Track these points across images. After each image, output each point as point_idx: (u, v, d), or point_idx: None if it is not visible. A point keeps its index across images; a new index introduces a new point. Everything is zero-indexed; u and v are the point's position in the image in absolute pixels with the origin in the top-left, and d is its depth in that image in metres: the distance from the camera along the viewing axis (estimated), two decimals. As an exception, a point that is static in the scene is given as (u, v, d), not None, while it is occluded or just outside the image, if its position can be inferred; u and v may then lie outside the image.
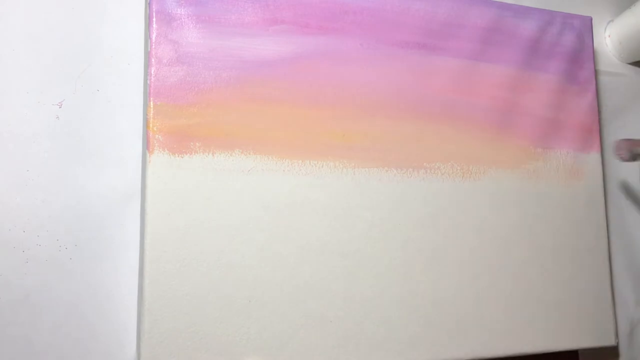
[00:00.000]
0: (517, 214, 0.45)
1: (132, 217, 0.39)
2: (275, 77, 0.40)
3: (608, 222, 0.50)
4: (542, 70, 0.48)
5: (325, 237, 0.40)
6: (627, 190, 0.54)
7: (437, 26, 0.45)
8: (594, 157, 0.49)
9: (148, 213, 0.36)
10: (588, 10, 0.54)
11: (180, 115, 0.38)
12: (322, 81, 0.41)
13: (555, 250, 0.46)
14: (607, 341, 0.47)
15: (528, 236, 0.45)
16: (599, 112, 0.52)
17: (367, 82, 0.42)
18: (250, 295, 0.37)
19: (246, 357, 0.37)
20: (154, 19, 0.38)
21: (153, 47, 0.38)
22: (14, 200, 0.37)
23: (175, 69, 0.38)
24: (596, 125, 0.50)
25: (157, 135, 0.37)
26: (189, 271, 0.36)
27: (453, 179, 0.44)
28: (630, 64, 0.56)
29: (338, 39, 0.42)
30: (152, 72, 0.38)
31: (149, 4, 0.38)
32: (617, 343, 0.47)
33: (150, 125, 0.37)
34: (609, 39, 0.57)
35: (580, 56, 0.50)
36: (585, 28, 0.50)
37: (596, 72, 0.52)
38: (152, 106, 0.37)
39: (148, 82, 0.37)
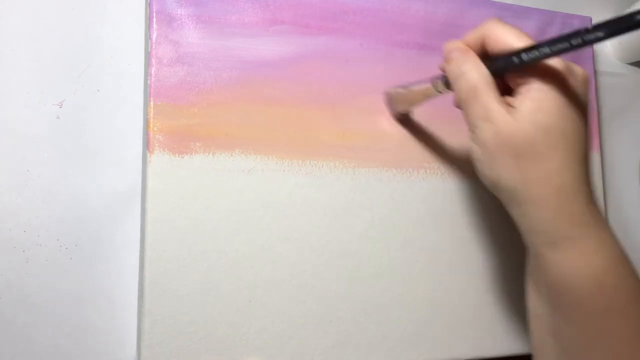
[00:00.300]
0: (516, 214, 0.45)
1: (132, 217, 0.39)
2: (275, 77, 0.40)
3: (608, 222, 0.49)
4: (541, 71, 0.48)
5: (325, 237, 0.40)
6: (627, 190, 0.54)
7: (437, 26, 0.45)
8: (593, 157, 0.49)
9: (148, 213, 0.36)
10: (588, 10, 0.54)
11: (180, 115, 0.38)
12: (322, 81, 0.41)
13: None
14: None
15: (528, 236, 0.45)
16: (599, 112, 0.52)
17: (367, 82, 0.42)
18: (250, 295, 0.37)
19: (246, 357, 0.37)
20: (154, 19, 0.38)
21: (153, 47, 0.38)
22: (14, 200, 0.37)
23: (175, 69, 0.38)
24: (595, 126, 0.50)
25: (157, 136, 0.37)
26: (189, 271, 0.36)
27: (453, 179, 0.44)
28: (630, 64, 0.56)
29: (338, 39, 0.42)
30: (153, 72, 0.38)
31: (149, 4, 0.38)
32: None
33: (151, 125, 0.37)
34: (608, 39, 0.57)
35: (580, 56, 0.50)
36: (585, 28, 0.51)
37: (596, 72, 0.52)
38: (152, 106, 0.37)
39: (148, 82, 0.37)
